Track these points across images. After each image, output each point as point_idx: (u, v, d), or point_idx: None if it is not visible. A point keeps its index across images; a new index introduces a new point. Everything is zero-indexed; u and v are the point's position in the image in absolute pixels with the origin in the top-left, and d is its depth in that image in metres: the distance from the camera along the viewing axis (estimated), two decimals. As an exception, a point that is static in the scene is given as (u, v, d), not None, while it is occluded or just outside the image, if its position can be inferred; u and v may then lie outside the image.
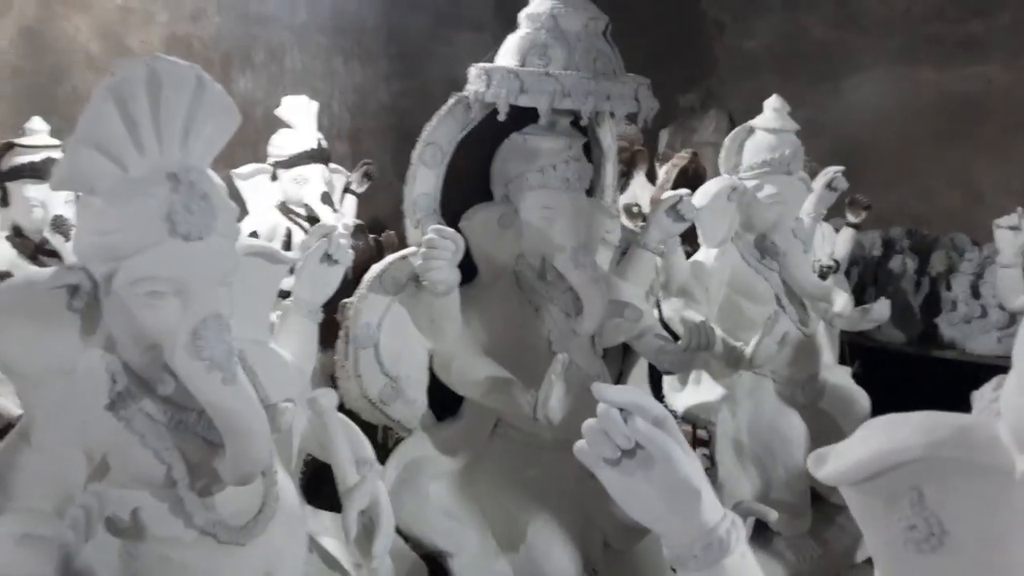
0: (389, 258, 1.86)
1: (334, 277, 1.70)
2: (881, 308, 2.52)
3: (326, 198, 3.24)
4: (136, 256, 1.20)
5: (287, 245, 3.10)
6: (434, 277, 1.73)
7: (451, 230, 1.74)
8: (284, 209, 3.25)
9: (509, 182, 1.95)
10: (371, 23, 4.35)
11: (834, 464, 0.80)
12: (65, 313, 1.23)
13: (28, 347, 1.21)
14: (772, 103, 2.49)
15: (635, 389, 0.90)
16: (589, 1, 1.93)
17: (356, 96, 4.33)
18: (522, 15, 1.94)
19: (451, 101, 1.92)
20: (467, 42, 4.65)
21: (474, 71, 1.89)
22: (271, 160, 3.26)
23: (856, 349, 3.30)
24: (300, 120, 3.26)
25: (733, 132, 2.51)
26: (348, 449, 1.52)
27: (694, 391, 2.52)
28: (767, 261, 2.50)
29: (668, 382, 2.56)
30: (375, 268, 1.85)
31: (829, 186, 2.77)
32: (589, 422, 0.89)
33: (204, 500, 1.27)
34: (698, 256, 2.50)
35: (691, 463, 0.90)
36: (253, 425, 1.25)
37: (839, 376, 2.67)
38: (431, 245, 1.71)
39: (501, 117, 1.83)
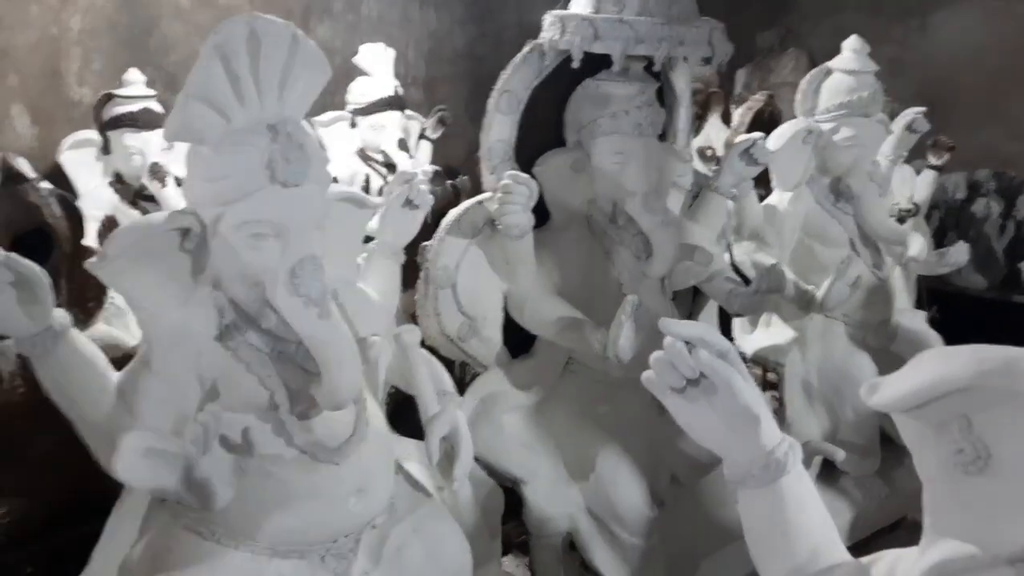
0: (466, 203, 1.95)
1: (415, 221, 1.79)
2: (958, 252, 2.49)
3: (402, 144, 3.33)
4: (240, 201, 1.31)
5: (365, 190, 3.21)
6: (509, 221, 1.81)
7: (525, 176, 1.80)
8: (362, 155, 3.35)
9: (582, 128, 2.00)
10: (445, -31, 4.36)
11: (887, 391, 0.86)
12: (178, 254, 1.36)
13: (147, 284, 1.35)
14: (851, 43, 2.45)
15: (700, 324, 0.97)
16: (664, -54, 1.94)
17: (431, 43, 4.37)
18: (596, -38, 1.96)
19: (526, 49, 1.97)
20: (540, -15, 4.61)
21: (549, 18, 1.93)
22: (349, 108, 3.36)
23: (935, 294, 3.26)
24: (377, 68, 3.34)
25: (810, 74, 2.49)
26: (430, 381, 1.63)
27: (764, 333, 2.56)
28: (842, 204, 2.49)
29: (739, 324, 2.60)
30: (453, 212, 1.94)
31: (909, 128, 2.73)
32: (657, 354, 0.96)
33: (303, 423, 1.40)
34: (771, 200, 2.51)
35: (751, 391, 0.96)
36: (345, 356, 1.37)
37: (914, 320, 2.67)
38: (506, 190, 1.78)
39: (575, 64, 1.88)
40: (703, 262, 2.05)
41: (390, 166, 3.26)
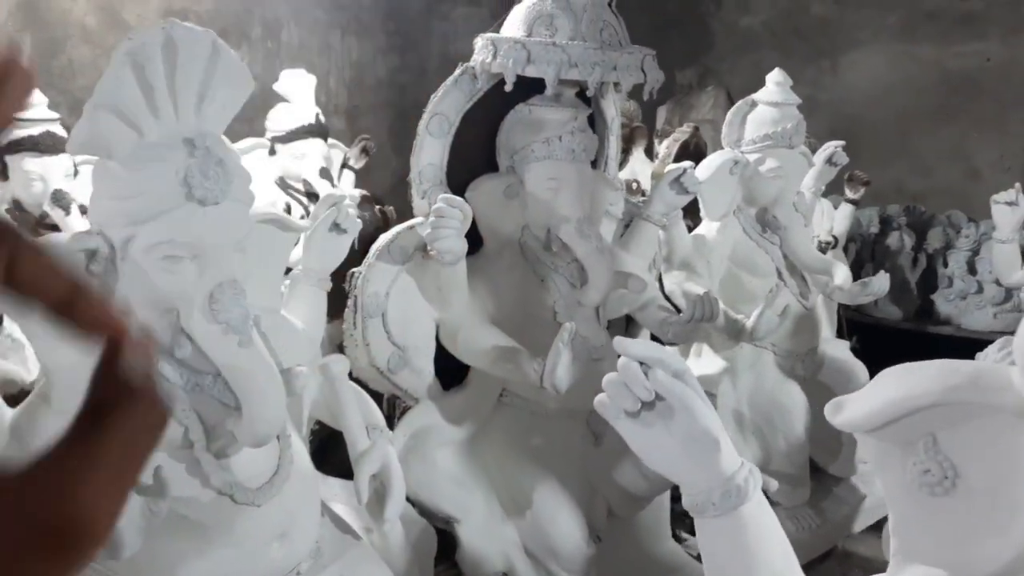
0: (397, 228, 1.88)
1: (342, 246, 1.71)
2: (880, 282, 2.54)
3: (324, 173, 3.23)
4: (153, 221, 1.21)
5: (287, 220, 3.10)
6: (442, 246, 1.74)
7: (459, 199, 1.75)
8: (282, 184, 3.24)
9: (514, 153, 1.96)
10: (368, -2, 4.33)
11: (851, 411, 0.82)
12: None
13: (46, 310, 1.22)
14: (774, 77, 2.50)
15: (655, 344, 0.92)
16: (594, -29, 1.93)
17: (353, 71, 4.32)
18: (528, -15, 1.94)
19: (457, 71, 1.92)
20: (463, 16, 4.63)
21: (480, 41, 1.89)
22: (269, 135, 3.25)
23: (854, 325, 3.33)
24: (298, 95, 3.25)
25: (736, 106, 2.52)
26: (359, 415, 1.54)
27: (695, 363, 2.55)
28: (768, 235, 2.52)
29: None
30: (383, 238, 1.86)
31: (829, 161, 2.80)
32: (610, 376, 0.90)
33: (221, 461, 1.29)
34: (700, 229, 2.52)
35: (710, 413, 0.92)
36: (268, 388, 1.27)
37: (838, 349, 2.70)
38: (439, 214, 1.72)
39: (507, 87, 1.84)
40: (637, 290, 2.02)
41: (312, 195, 3.17)
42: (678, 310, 2.21)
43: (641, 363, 0.89)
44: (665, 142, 3.16)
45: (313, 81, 3.29)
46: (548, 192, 1.93)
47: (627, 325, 2.34)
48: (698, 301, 2.02)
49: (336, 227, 1.68)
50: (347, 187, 3.43)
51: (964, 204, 4.02)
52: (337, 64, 4.22)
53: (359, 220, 1.73)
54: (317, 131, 3.24)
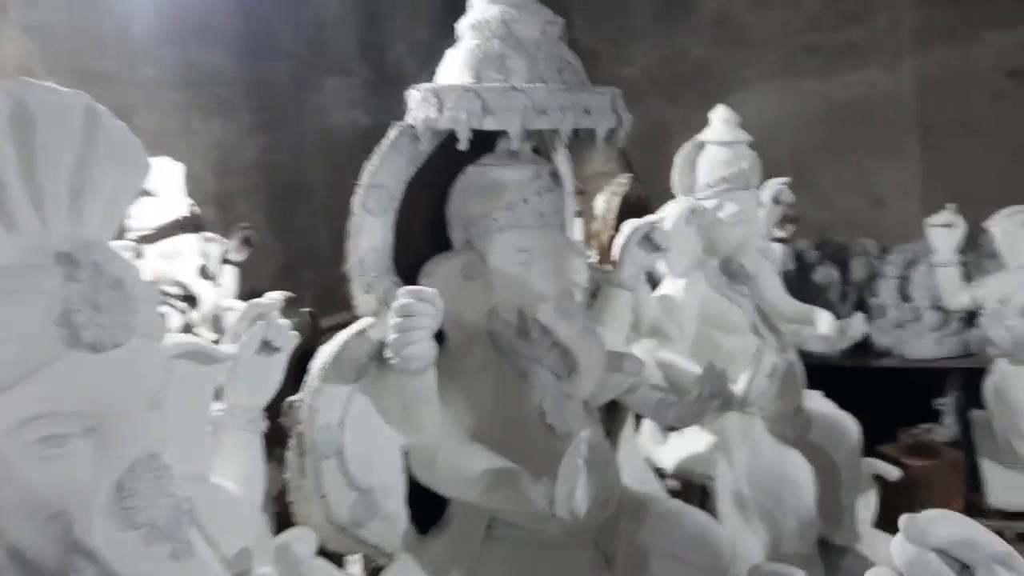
0: (341, 336, 1.46)
1: (276, 370, 1.29)
2: (858, 323, 2.33)
3: (203, 272, 2.77)
4: (19, 385, 0.76)
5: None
6: (411, 352, 1.35)
7: (430, 291, 1.36)
8: (156, 291, 2.73)
9: (471, 225, 1.60)
10: (227, 75, 3.89)
11: None
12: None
13: None
14: (721, 114, 2.28)
15: (958, 516, 0.57)
16: (540, 3, 1.63)
17: (219, 154, 3.84)
18: (463, 25, 1.61)
19: (393, 133, 1.55)
20: (335, 87, 4.28)
21: (417, 94, 1.53)
22: (132, 235, 2.75)
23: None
24: (163, 186, 2.78)
25: (683, 149, 2.28)
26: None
27: (680, 442, 2.22)
28: (737, 286, 2.26)
29: (648, 434, 2.26)
30: (325, 351, 1.44)
31: (776, 200, 2.59)
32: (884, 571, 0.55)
33: None
34: (664, 289, 2.23)
35: None
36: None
37: (817, 403, 2.46)
38: (407, 312, 1.33)
39: (462, 145, 1.49)
40: (634, 371, 1.69)
41: (190, 299, 2.69)
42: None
43: (941, 551, 0.54)
44: (600, 197, 2.89)
45: (180, 170, 2.83)
46: (518, 267, 1.58)
47: (608, 411, 1.99)
48: (706, 375, 1.71)
49: (266, 345, 1.27)
50: (230, 285, 2.97)
51: (871, 232, 3.97)
52: (201, 148, 3.74)
53: (294, 332, 1.32)
54: (190, 225, 2.77)
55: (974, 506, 2.86)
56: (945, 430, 3.36)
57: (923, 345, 3.36)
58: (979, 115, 3.98)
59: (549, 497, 1.38)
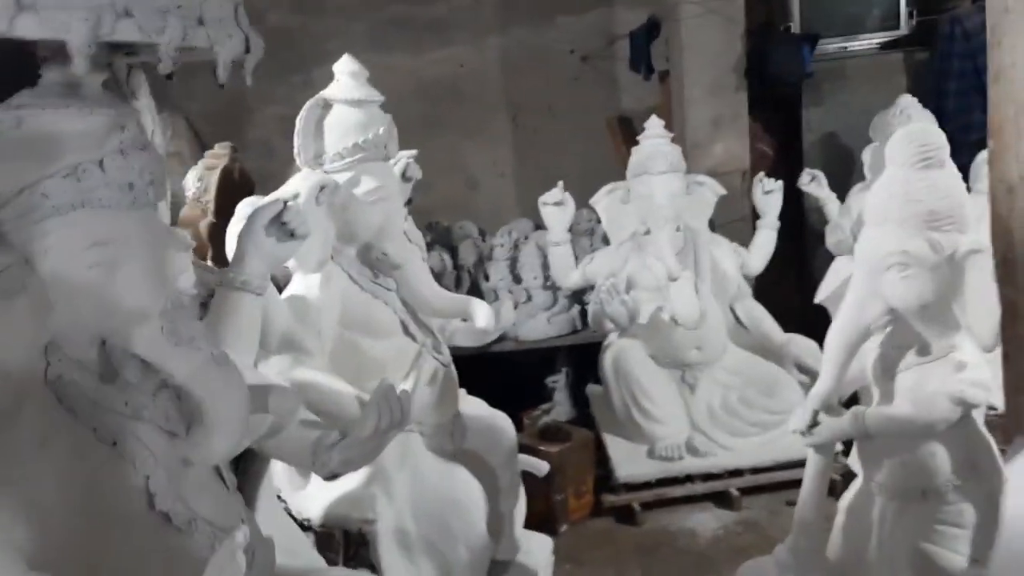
0: None
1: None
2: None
3: None
4: None
5: None
6: None
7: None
8: None
9: (6, 205, 0.95)
10: None
11: None
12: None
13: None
14: (346, 66, 1.85)
15: None
16: None
17: None
18: None
19: None
20: None
21: None
22: None
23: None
24: None
25: (305, 109, 1.80)
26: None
27: (322, 483, 1.75)
28: (382, 279, 1.85)
29: (285, 480, 1.75)
30: None
31: (403, 176, 2.23)
32: None
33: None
34: (294, 289, 1.73)
35: None
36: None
37: (470, 403, 2.16)
38: None
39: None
40: (288, 409, 1.18)
41: None
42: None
43: None
44: (191, 174, 2.22)
45: None
46: (97, 272, 0.97)
47: (237, 464, 1.44)
48: (383, 399, 1.26)
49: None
50: None
51: (469, 214, 3.88)
52: None
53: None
54: None
55: (603, 482, 2.86)
56: (560, 407, 3.37)
57: (537, 326, 3.31)
58: (558, 97, 4.09)
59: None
